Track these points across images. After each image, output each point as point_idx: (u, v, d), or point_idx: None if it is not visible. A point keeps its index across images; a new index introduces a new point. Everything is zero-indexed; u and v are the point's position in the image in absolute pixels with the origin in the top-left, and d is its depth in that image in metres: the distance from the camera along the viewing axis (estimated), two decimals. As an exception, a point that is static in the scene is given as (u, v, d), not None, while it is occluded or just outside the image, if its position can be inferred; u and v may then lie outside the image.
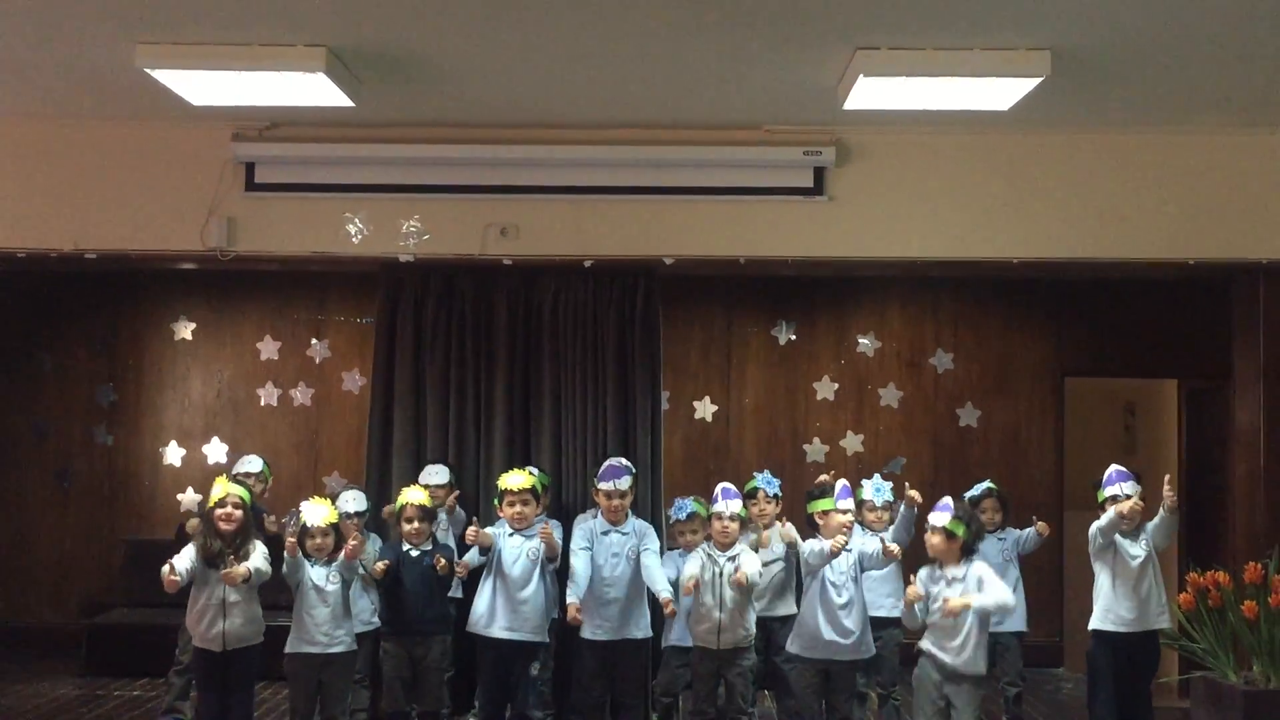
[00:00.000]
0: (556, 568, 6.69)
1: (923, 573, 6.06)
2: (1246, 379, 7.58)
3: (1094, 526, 6.47)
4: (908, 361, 9.67)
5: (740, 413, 9.66)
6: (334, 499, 6.72)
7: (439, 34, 5.76)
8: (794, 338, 9.67)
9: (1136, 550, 6.44)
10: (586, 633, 6.58)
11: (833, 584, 6.28)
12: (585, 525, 6.71)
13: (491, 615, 6.51)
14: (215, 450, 9.66)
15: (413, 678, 6.61)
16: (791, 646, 6.42)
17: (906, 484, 6.76)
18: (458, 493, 7.16)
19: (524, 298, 7.59)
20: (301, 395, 9.69)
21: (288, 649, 6.28)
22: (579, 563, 6.53)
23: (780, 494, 7.00)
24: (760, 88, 6.52)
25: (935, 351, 9.65)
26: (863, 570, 6.36)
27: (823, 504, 6.43)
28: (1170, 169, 7.27)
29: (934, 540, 5.97)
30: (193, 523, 6.66)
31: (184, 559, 6.05)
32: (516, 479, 6.63)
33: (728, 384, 9.67)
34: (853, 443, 9.58)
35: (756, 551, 6.51)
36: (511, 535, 6.58)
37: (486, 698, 6.61)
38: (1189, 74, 6.24)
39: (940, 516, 5.97)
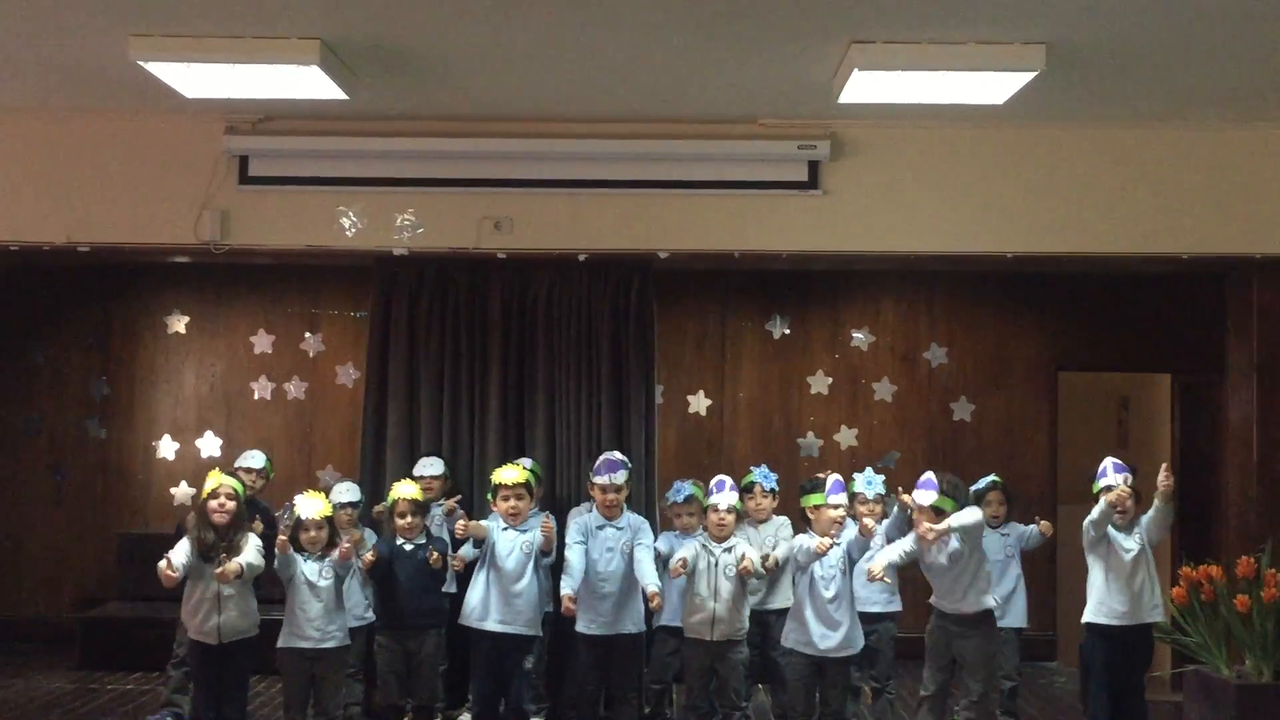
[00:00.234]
0: (552, 561, 6.69)
1: (908, 542, 6.17)
2: (1240, 374, 7.60)
3: (1087, 520, 6.48)
4: (902, 356, 9.67)
5: (734, 407, 9.66)
6: (328, 493, 6.71)
7: (433, 27, 5.74)
8: (788, 332, 9.66)
9: (1130, 544, 6.44)
10: (581, 626, 6.58)
11: (821, 578, 6.29)
12: (580, 519, 6.71)
13: (485, 608, 6.51)
14: (209, 444, 9.64)
15: (406, 671, 6.61)
16: (785, 641, 6.43)
17: (899, 489, 6.78)
18: (460, 496, 7.12)
19: (518, 291, 7.58)
20: (295, 389, 9.68)
21: (280, 643, 6.28)
22: (574, 556, 6.53)
23: (777, 488, 7.01)
24: (755, 81, 6.51)
25: (929, 346, 9.65)
26: (852, 563, 6.36)
27: (814, 499, 6.45)
28: (1165, 164, 7.28)
29: (921, 519, 6.02)
30: (191, 519, 6.66)
31: (180, 553, 6.05)
32: (510, 474, 6.62)
33: (722, 378, 9.66)
34: (846, 437, 9.58)
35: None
36: (505, 529, 6.58)
37: (480, 691, 6.61)
38: (1184, 69, 6.24)
39: (926, 495, 6.02)
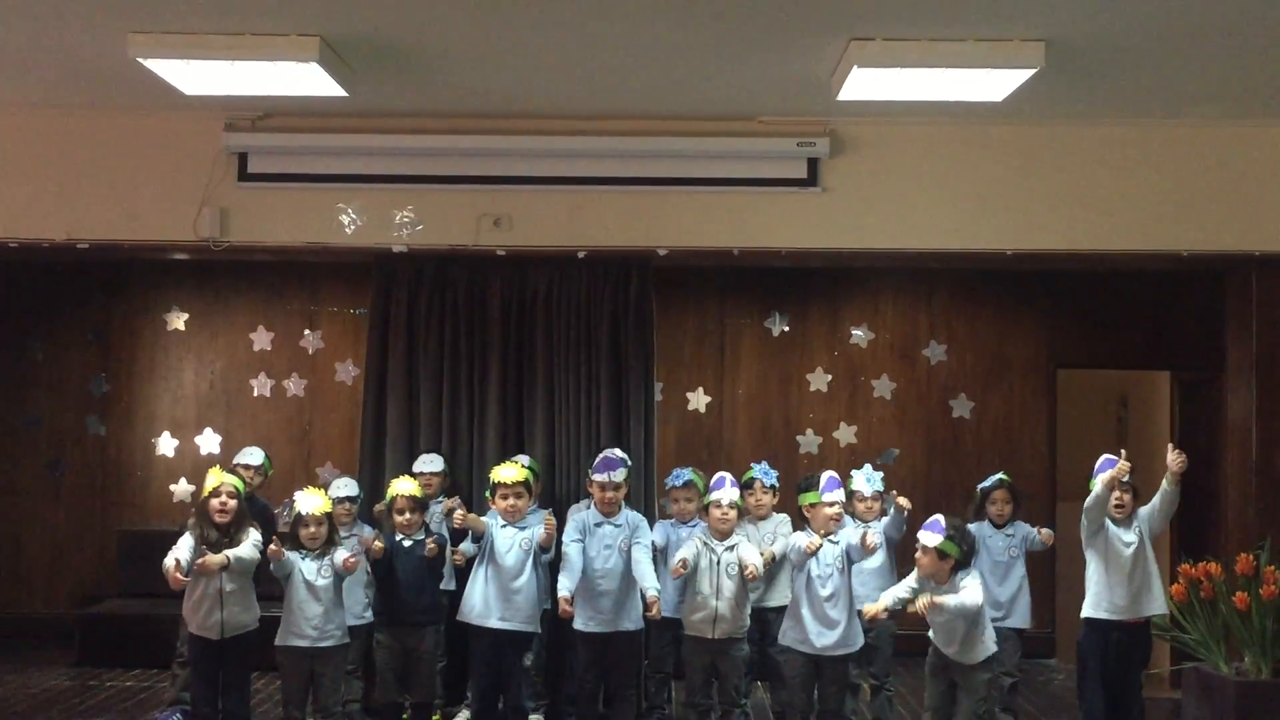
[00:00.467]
0: (551, 558, 6.69)
1: (911, 578, 6.11)
2: (1239, 371, 7.60)
3: (1085, 505, 6.45)
4: (901, 353, 9.67)
5: (733, 404, 9.66)
6: (327, 490, 6.72)
7: (432, 23, 5.74)
8: (787, 329, 9.67)
9: (1129, 537, 6.45)
10: (579, 624, 6.59)
11: (818, 576, 6.28)
12: (579, 517, 6.72)
13: (484, 605, 6.50)
14: (208, 441, 9.65)
15: (405, 668, 6.61)
16: (783, 639, 6.43)
17: (894, 491, 6.80)
18: (458, 498, 7.09)
19: (517, 288, 7.58)
20: (294, 386, 9.69)
21: (278, 641, 6.28)
22: (572, 553, 6.54)
23: (777, 485, 7.01)
24: (754, 78, 6.51)
25: (928, 343, 9.66)
26: (850, 562, 6.35)
27: (809, 497, 6.45)
28: (1164, 161, 7.28)
29: (924, 560, 5.96)
30: (192, 517, 6.67)
31: (184, 551, 6.06)
32: (509, 472, 6.61)
33: (721, 375, 9.67)
34: (845, 434, 9.59)
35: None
36: (504, 526, 6.58)
37: (479, 688, 6.61)
38: (1183, 66, 6.24)
39: (931, 537, 5.93)
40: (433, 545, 6.51)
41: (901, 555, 6.88)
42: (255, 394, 9.69)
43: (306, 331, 9.71)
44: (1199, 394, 9.44)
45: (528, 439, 7.48)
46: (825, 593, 6.27)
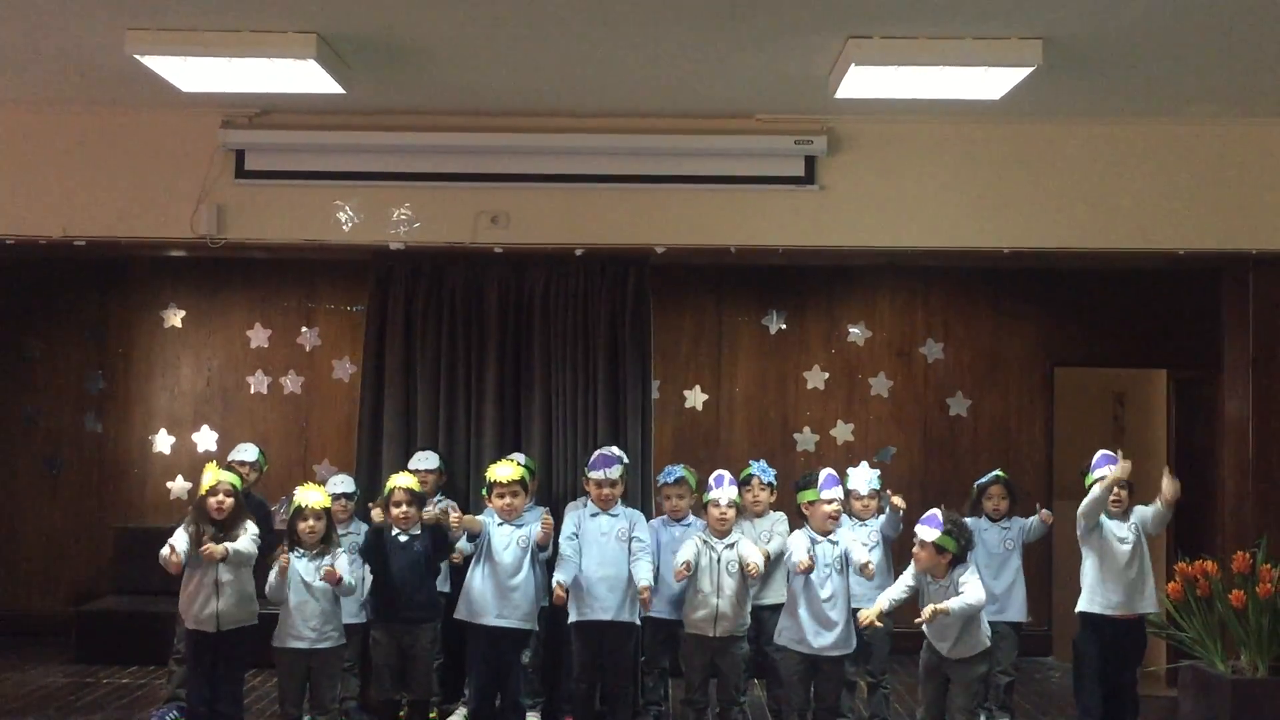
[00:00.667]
0: (548, 556, 6.69)
1: (908, 574, 6.14)
2: (1236, 369, 7.60)
3: (1082, 504, 6.48)
4: (898, 351, 9.68)
5: (731, 402, 9.66)
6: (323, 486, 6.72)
7: (430, 20, 5.74)
8: (784, 327, 9.67)
9: (1124, 533, 6.48)
10: (575, 616, 6.59)
11: (815, 577, 6.28)
12: (574, 513, 6.73)
13: (482, 603, 6.51)
14: (205, 438, 9.64)
15: (401, 666, 6.60)
16: (779, 638, 6.43)
17: (888, 490, 6.81)
18: (454, 503, 7.07)
19: (515, 286, 7.58)
20: (292, 383, 9.68)
21: (275, 642, 6.29)
22: (568, 550, 6.56)
23: (775, 483, 7.02)
24: (752, 76, 6.51)
25: (925, 341, 9.66)
26: (848, 564, 6.35)
27: (808, 495, 6.45)
28: (1161, 159, 7.28)
29: (921, 555, 5.99)
30: (189, 514, 6.66)
31: (181, 539, 6.07)
32: (505, 470, 6.62)
33: (718, 373, 9.67)
34: (843, 432, 9.59)
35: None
36: (501, 524, 6.58)
37: (476, 685, 6.61)
38: (1180, 64, 6.24)
39: (929, 531, 5.97)
40: (432, 512, 6.48)
41: (899, 553, 6.88)
42: (252, 391, 9.69)
43: (304, 329, 9.71)
44: (1195, 392, 9.44)
45: (525, 436, 7.48)
46: (823, 594, 6.28)
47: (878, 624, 6.18)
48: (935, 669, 6.13)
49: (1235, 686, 6.53)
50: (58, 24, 5.87)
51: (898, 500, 6.65)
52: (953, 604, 5.87)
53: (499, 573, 6.49)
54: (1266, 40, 5.85)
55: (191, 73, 6.22)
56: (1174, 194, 7.26)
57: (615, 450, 6.87)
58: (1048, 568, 9.24)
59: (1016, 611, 7.03)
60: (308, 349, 9.71)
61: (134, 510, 9.64)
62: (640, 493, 7.29)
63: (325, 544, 6.34)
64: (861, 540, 6.61)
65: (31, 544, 9.68)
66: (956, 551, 5.95)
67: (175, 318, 9.75)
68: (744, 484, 6.91)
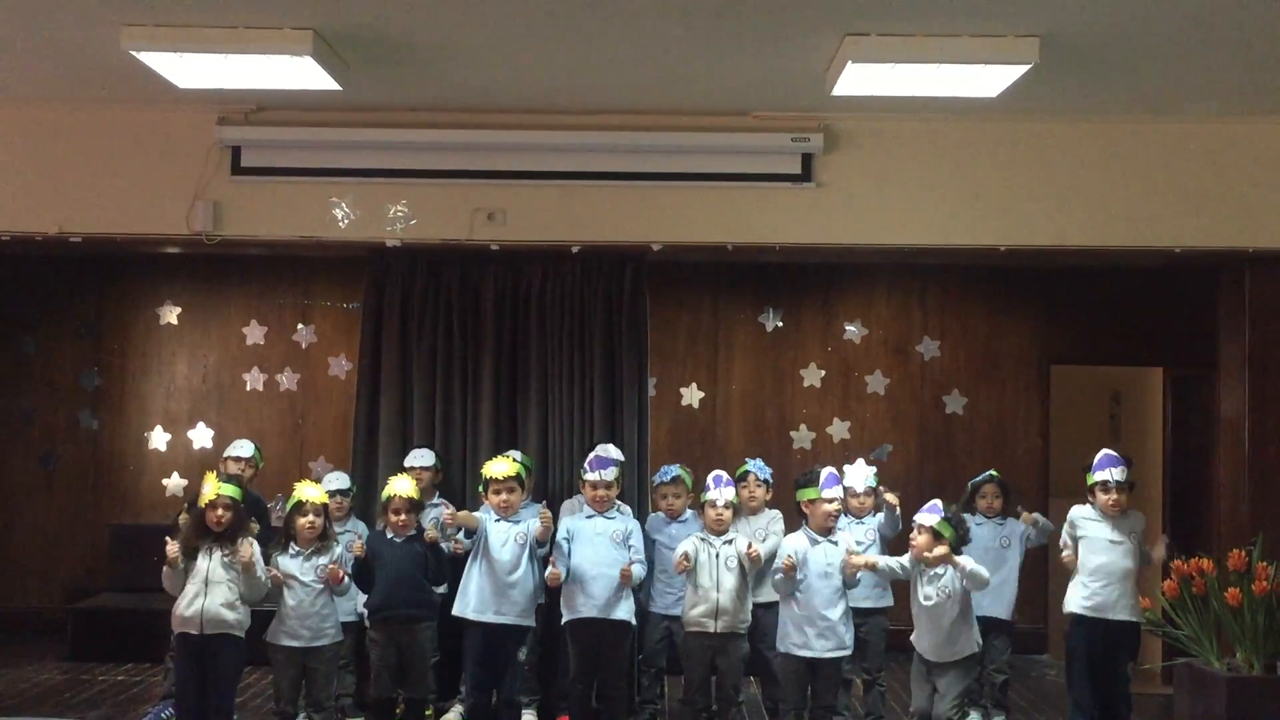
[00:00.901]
0: (545, 553, 6.69)
1: (905, 559, 6.18)
2: (1232, 367, 7.60)
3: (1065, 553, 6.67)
4: (894, 348, 9.68)
5: (727, 399, 9.66)
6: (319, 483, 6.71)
7: (427, 17, 5.73)
8: (781, 324, 9.67)
9: (1116, 536, 6.51)
10: (569, 615, 6.59)
11: (811, 578, 6.29)
12: (568, 516, 6.72)
13: (479, 600, 6.51)
14: (201, 435, 9.63)
15: (399, 665, 6.58)
16: (780, 645, 6.42)
17: (883, 488, 6.82)
18: (451, 509, 7.02)
19: (511, 283, 7.57)
20: (287, 380, 9.67)
21: (271, 639, 6.26)
22: (564, 548, 6.58)
23: (771, 480, 7.03)
24: (748, 73, 6.50)
25: (922, 339, 9.67)
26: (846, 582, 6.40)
27: (809, 493, 6.45)
28: (1157, 157, 7.28)
29: (919, 540, 6.03)
30: (186, 524, 6.64)
31: (174, 549, 6.05)
32: (501, 467, 6.62)
33: (715, 370, 9.67)
34: (839, 429, 9.59)
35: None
36: (498, 520, 6.58)
37: (473, 682, 6.61)
38: (1177, 62, 6.24)
39: (929, 517, 6.05)
40: (432, 532, 6.47)
41: (896, 552, 6.88)
42: (248, 388, 9.68)
43: (300, 326, 9.70)
44: (1192, 390, 9.45)
45: (521, 434, 7.48)
46: (821, 597, 6.28)
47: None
48: (925, 676, 6.16)
49: (1231, 684, 6.53)
50: (53, 20, 5.86)
51: (891, 497, 6.68)
52: (965, 561, 5.97)
53: (496, 570, 6.50)
54: (1263, 39, 5.85)
55: (187, 69, 6.21)
56: (1171, 192, 7.26)
57: (612, 451, 6.86)
58: (1044, 566, 9.23)
59: (1004, 608, 7.04)
60: (304, 346, 9.71)
61: (129, 507, 9.63)
62: (636, 490, 7.29)
63: (323, 541, 6.33)
64: (858, 539, 6.62)
65: (26, 541, 9.67)
66: (952, 540, 6.01)
67: (171, 314, 9.74)
68: (740, 480, 6.91)
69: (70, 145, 7.32)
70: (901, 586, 6.75)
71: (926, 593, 6.08)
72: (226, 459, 7.14)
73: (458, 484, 7.39)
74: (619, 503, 6.76)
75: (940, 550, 6.00)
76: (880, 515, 6.85)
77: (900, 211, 7.30)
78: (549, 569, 6.48)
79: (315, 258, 9.02)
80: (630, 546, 6.60)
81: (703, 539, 6.48)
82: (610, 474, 6.65)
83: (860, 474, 6.94)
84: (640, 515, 6.98)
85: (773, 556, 6.51)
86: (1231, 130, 7.24)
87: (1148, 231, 7.29)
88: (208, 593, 6.01)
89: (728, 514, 6.48)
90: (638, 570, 6.54)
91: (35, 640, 8.97)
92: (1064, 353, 9.69)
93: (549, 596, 6.82)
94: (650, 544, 6.87)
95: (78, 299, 9.75)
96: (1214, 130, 7.25)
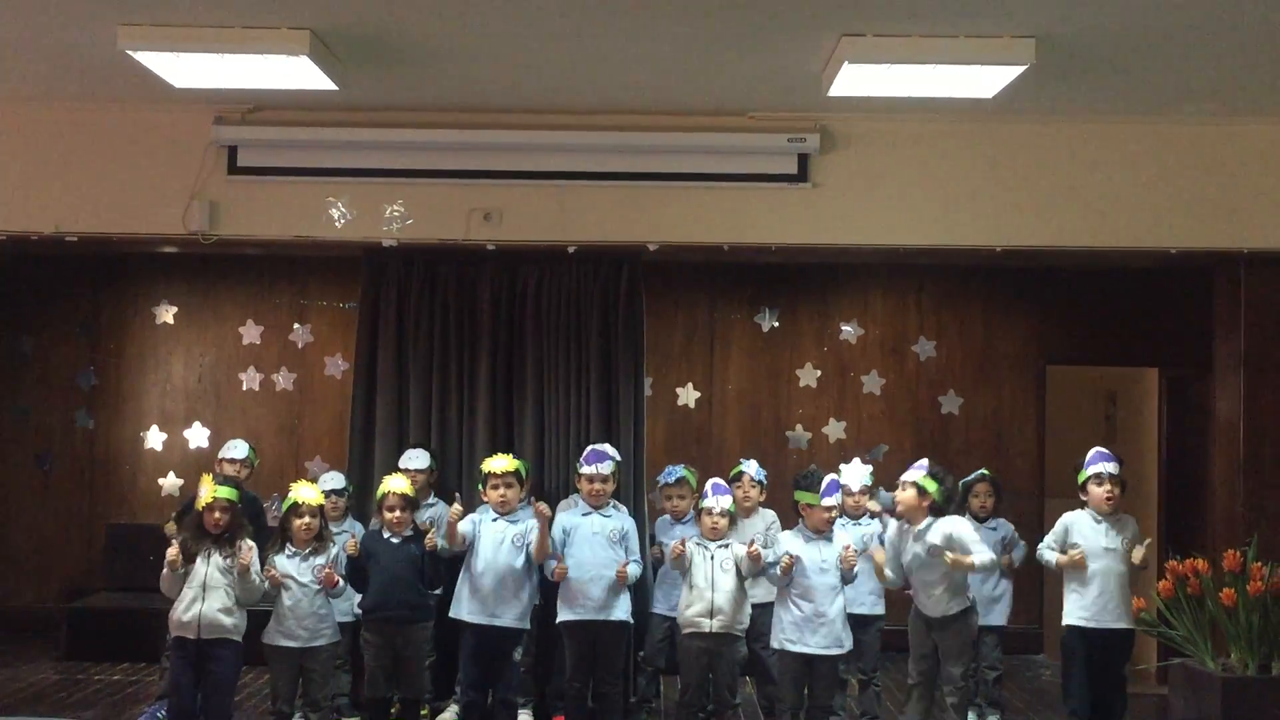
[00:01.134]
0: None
1: (891, 529, 6.23)
2: (1227, 368, 7.61)
3: (1049, 557, 6.65)
4: (890, 349, 9.69)
5: (723, 399, 9.67)
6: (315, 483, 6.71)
7: (423, 17, 5.73)
8: (777, 324, 9.68)
9: (1111, 543, 6.50)
10: (566, 616, 6.59)
11: (809, 577, 6.30)
12: (564, 517, 6.71)
13: (474, 601, 6.50)
14: (197, 435, 9.63)
15: (393, 665, 6.58)
16: (775, 641, 6.43)
17: (881, 487, 6.85)
18: (432, 529, 6.98)
19: (507, 283, 7.57)
20: (284, 380, 9.67)
21: (268, 640, 6.26)
22: (561, 540, 6.59)
23: (765, 482, 7.03)
24: (745, 74, 6.51)
25: (918, 339, 9.67)
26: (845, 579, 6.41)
27: (809, 497, 6.45)
28: (1154, 158, 7.29)
29: (904, 495, 6.09)
30: (170, 527, 6.64)
31: (174, 552, 6.05)
32: (500, 462, 6.62)
33: (711, 370, 9.68)
34: (835, 429, 9.60)
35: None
36: (495, 520, 6.57)
37: (468, 683, 6.60)
38: (1173, 63, 6.25)
39: (913, 473, 6.15)
40: (431, 540, 6.46)
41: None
42: (244, 388, 9.68)
43: (296, 325, 9.70)
44: (1187, 390, 9.47)
45: (517, 433, 7.47)
46: (818, 594, 6.29)
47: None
48: (924, 632, 6.22)
49: (1225, 684, 6.54)
50: (50, 19, 5.86)
51: (873, 505, 6.78)
52: (977, 559, 6.02)
53: (491, 571, 6.49)
54: (1258, 40, 5.86)
55: (184, 68, 6.21)
56: (1166, 193, 7.28)
57: (609, 447, 6.87)
58: (1038, 566, 9.21)
59: (1000, 615, 7.05)
60: (300, 346, 9.70)
61: (125, 507, 9.62)
62: (633, 489, 7.29)
63: (319, 542, 6.33)
64: (854, 542, 6.60)
65: (22, 540, 9.66)
66: (939, 497, 6.04)
67: (167, 314, 9.73)
68: (734, 481, 6.92)
69: (67, 145, 7.32)
70: (897, 596, 6.80)
71: (915, 550, 6.13)
72: (221, 460, 7.13)
73: (453, 484, 7.39)
74: (614, 501, 6.76)
75: (951, 558, 6.01)
76: (875, 522, 6.85)
77: (896, 212, 7.31)
78: (555, 564, 6.49)
79: (312, 257, 9.02)
80: (626, 546, 6.61)
81: (699, 543, 6.49)
82: (606, 468, 6.65)
83: (857, 473, 6.95)
84: (636, 515, 6.98)
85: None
86: (1227, 131, 7.26)
87: (1143, 232, 7.30)
88: (205, 598, 6.01)
89: (723, 522, 6.47)
90: (633, 570, 6.58)
91: (31, 640, 8.94)
92: (1060, 353, 9.70)
93: (545, 597, 6.82)
94: (656, 546, 6.87)
95: (74, 299, 9.74)
96: (1209, 131, 7.26)
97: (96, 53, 6.26)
